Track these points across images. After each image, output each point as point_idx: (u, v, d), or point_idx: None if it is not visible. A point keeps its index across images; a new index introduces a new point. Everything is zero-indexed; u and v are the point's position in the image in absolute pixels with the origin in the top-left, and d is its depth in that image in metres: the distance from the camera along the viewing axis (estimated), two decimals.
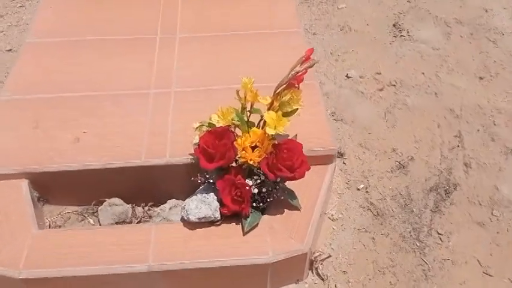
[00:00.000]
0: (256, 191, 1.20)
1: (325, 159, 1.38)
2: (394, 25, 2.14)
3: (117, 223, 1.32)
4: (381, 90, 1.88)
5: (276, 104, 1.23)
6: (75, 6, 1.81)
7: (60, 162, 1.30)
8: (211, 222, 1.22)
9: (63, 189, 1.34)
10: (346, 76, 1.94)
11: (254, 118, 1.26)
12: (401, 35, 2.09)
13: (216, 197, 1.22)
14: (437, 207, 1.49)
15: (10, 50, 2.04)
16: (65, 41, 1.66)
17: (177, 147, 1.33)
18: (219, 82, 1.54)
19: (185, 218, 1.21)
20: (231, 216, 1.22)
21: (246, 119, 1.23)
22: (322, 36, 2.14)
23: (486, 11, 2.15)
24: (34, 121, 1.39)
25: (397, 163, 1.62)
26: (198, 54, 1.65)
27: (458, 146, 1.65)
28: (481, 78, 1.88)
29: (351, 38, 2.11)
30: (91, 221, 1.35)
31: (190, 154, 1.30)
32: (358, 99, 1.84)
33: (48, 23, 1.73)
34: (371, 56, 2.02)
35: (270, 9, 1.91)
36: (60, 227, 1.34)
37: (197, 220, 1.20)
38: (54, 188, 1.33)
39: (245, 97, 1.23)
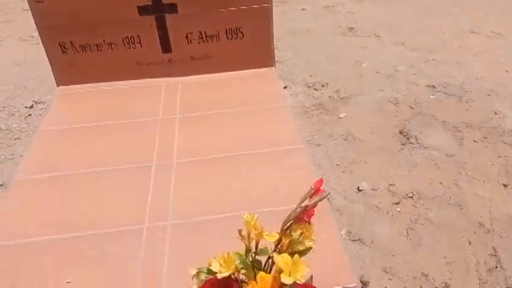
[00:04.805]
0: None
1: None
2: (400, 132, 2.04)
3: None
4: (398, 204, 1.72)
5: (284, 241, 1.05)
6: (66, 138, 1.72)
7: None
8: None
9: None
10: (357, 189, 1.79)
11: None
12: (410, 142, 1.98)
13: None
14: None
15: (2, 184, 1.91)
16: (52, 177, 1.53)
17: None
18: (219, 210, 1.38)
19: None
20: None
21: (251, 262, 1.05)
22: (326, 146, 2.03)
23: (495, 113, 2.08)
24: (11, 277, 1.20)
25: None
26: (196, 181, 1.51)
27: (496, 267, 1.45)
28: (505, 185, 1.73)
29: (357, 148, 2.01)
30: None
31: None
32: (374, 215, 1.67)
33: (38, 159, 1.62)
34: (381, 165, 1.89)
35: (267, 127, 1.82)
36: None
37: None
38: None
39: (249, 236, 1.05)
